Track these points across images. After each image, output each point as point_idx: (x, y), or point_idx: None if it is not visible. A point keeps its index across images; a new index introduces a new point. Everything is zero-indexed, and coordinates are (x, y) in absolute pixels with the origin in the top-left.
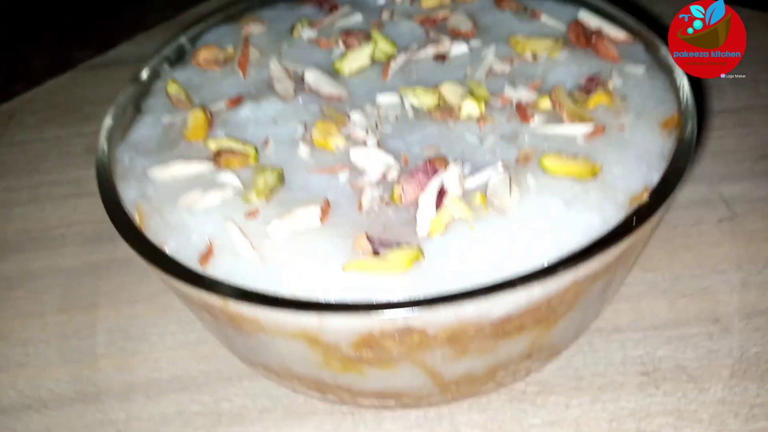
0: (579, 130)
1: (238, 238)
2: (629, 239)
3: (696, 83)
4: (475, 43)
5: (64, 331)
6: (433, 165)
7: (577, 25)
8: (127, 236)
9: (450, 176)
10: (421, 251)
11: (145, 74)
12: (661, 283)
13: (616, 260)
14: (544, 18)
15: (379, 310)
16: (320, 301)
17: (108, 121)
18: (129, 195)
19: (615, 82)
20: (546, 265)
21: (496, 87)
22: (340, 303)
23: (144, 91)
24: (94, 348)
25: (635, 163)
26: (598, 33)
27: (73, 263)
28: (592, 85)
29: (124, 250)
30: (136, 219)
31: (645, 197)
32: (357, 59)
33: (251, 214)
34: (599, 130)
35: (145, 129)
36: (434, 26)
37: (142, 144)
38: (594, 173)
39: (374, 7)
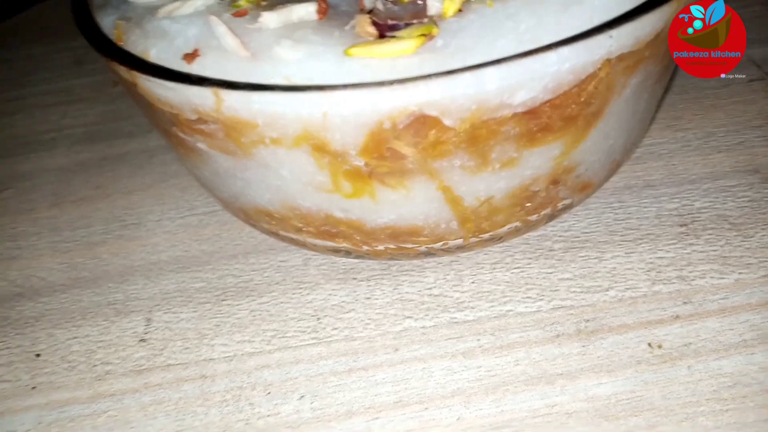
0: None
1: (226, 33)
2: (667, 9)
3: None
4: None
5: (56, 224)
6: None
7: None
8: (105, 50)
9: None
10: (433, 26)
11: None
12: (693, 140)
13: (652, 44)
14: None
15: (389, 86)
16: (322, 83)
17: None
18: (106, 21)
19: None
20: (576, 33)
21: None
22: (345, 83)
23: None
24: (88, 237)
25: None
26: None
27: (63, 163)
28: None
29: (118, 147)
30: (115, 39)
31: None
32: None
33: (239, 13)
34: None
35: None
36: None
37: None
38: None
39: None
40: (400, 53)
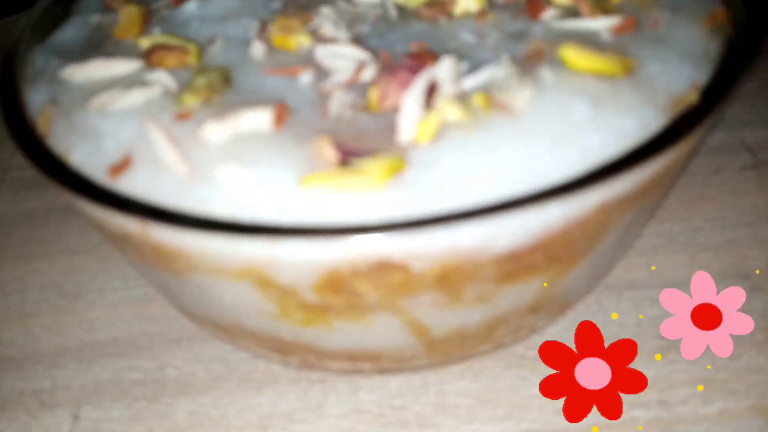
0: (603, 23)
1: (163, 143)
2: (677, 149)
3: None
4: None
5: None
6: (421, 59)
7: None
8: (23, 145)
9: (443, 70)
10: (402, 159)
11: None
12: (679, 235)
13: (656, 179)
14: None
15: (348, 235)
16: (267, 225)
17: (24, 21)
18: (36, 99)
19: None
20: (569, 180)
21: None
22: (295, 227)
23: None
24: (21, 306)
25: (677, 61)
26: None
27: (5, 211)
28: None
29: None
30: (40, 125)
31: (693, 96)
32: None
33: (182, 115)
34: (629, 23)
35: (69, 31)
36: None
37: (63, 46)
38: (628, 69)
39: None
40: (364, 189)
